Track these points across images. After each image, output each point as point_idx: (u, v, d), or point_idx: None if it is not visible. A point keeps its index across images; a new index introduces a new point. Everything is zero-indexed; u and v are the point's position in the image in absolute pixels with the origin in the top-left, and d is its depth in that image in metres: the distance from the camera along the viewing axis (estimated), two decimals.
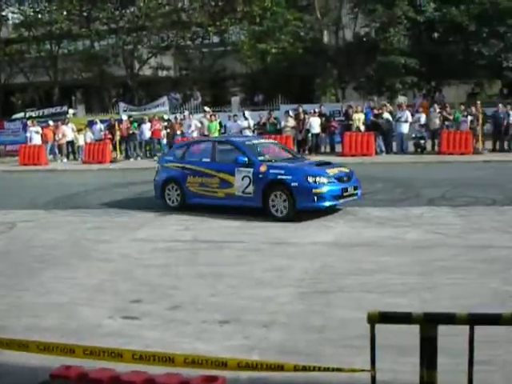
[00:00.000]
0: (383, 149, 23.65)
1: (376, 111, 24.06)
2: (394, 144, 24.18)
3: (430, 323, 2.99)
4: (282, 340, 5.80)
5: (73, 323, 6.56)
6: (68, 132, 27.82)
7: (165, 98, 30.32)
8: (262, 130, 25.41)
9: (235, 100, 33.34)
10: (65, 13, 33.70)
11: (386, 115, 23.86)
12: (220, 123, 25.94)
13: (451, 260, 8.32)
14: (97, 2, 32.70)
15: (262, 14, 32.30)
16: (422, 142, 23.72)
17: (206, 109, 27.77)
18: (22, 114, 33.24)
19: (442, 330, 3.11)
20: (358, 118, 24.09)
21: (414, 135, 23.98)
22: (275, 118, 26.04)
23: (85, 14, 34.20)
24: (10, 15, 37.27)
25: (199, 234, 10.81)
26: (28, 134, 28.28)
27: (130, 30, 34.25)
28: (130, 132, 27.01)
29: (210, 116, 25.89)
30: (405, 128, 23.79)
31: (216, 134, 23.98)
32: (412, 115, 24.08)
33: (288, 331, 6.02)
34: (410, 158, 22.54)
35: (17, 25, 36.58)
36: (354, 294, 7.04)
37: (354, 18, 32.40)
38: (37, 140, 27.81)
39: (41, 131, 28.03)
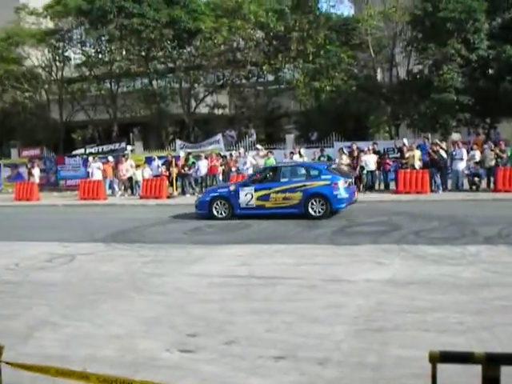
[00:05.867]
0: (440, 186, 23.36)
1: (435, 148, 23.80)
2: (449, 181, 23.99)
3: (492, 363, 2.87)
4: (337, 378, 5.76)
5: (130, 355, 6.64)
6: (128, 168, 28.55)
7: (220, 136, 30.78)
8: None
9: (290, 138, 33.23)
10: (124, 53, 34.66)
11: (442, 152, 23.64)
12: (275, 160, 26.10)
13: (509, 299, 8.12)
14: (155, 42, 33.30)
15: (316, 52, 32.34)
16: (477, 179, 23.41)
17: (259, 147, 28.54)
18: (81, 150, 33.64)
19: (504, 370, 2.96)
20: (413, 155, 24.03)
21: (468, 172, 23.72)
22: (327, 156, 26.31)
23: (143, 53, 34.97)
24: (72, 56, 38.74)
25: (254, 270, 10.87)
26: (89, 170, 29.15)
27: (186, 69, 34.92)
28: (186, 168, 27.48)
29: (266, 154, 26.42)
30: (461, 165, 23.60)
31: None
32: (467, 152, 23.84)
33: (343, 369, 5.95)
34: (465, 195, 22.23)
35: (79, 64, 37.94)
36: (410, 332, 6.93)
37: (407, 56, 32.10)
38: (98, 175, 28.54)
39: (102, 167, 28.80)
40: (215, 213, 18.79)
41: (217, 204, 18.88)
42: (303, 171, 18.72)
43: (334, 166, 19.95)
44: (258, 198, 18.49)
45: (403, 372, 5.68)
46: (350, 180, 19.12)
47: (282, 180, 18.60)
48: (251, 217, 18.15)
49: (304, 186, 18.04)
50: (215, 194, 19.32)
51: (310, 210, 17.75)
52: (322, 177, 18.07)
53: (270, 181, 19.00)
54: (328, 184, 17.78)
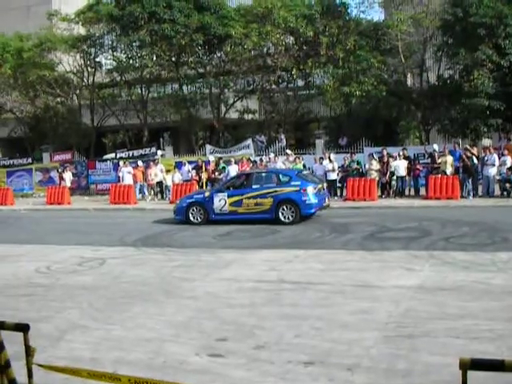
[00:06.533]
0: (471, 192, 23.29)
1: (468, 154, 23.65)
2: (480, 187, 23.90)
3: None
4: None
5: (159, 359, 6.70)
6: (158, 172, 28.82)
7: (249, 141, 31.08)
8: (346, 172, 26.02)
9: (319, 143, 33.18)
10: (154, 58, 34.72)
11: (473, 158, 23.61)
12: (304, 165, 26.37)
13: None
14: (185, 47, 33.45)
15: (346, 58, 32.18)
16: (508, 185, 23.08)
17: (288, 152, 28.63)
18: (112, 155, 34.58)
19: None
20: (445, 161, 23.82)
21: (499, 178, 23.50)
22: (356, 161, 26.44)
23: (173, 59, 35.09)
24: (103, 61, 39.16)
25: (284, 275, 10.89)
26: (120, 174, 29.53)
27: (216, 75, 35.06)
28: (217, 173, 27.65)
29: (295, 159, 26.69)
30: (492, 171, 23.33)
31: None
32: (498, 158, 23.60)
33: (372, 375, 5.95)
34: (496, 201, 21.95)
35: (110, 70, 38.19)
36: (440, 339, 6.88)
37: (438, 61, 31.80)
38: (128, 180, 28.92)
39: (132, 171, 29.23)
40: (191, 218, 19.41)
41: (193, 210, 19.50)
42: (274, 177, 19.19)
43: (305, 173, 20.63)
44: (231, 204, 19.09)
45: (433, 379, 5.68)
46: (321, 186, 19.52)
47: (254, 186, 19.09)
48: (226, 222, 18.75)
49: (274, 191, 18.63)
50: (191, 200, 19.88)
51: (281, 216, 18.34)
52: (292, 183, 18.64)
53: (242, 187, 19.57)
54: (297, 190, 18.37)
